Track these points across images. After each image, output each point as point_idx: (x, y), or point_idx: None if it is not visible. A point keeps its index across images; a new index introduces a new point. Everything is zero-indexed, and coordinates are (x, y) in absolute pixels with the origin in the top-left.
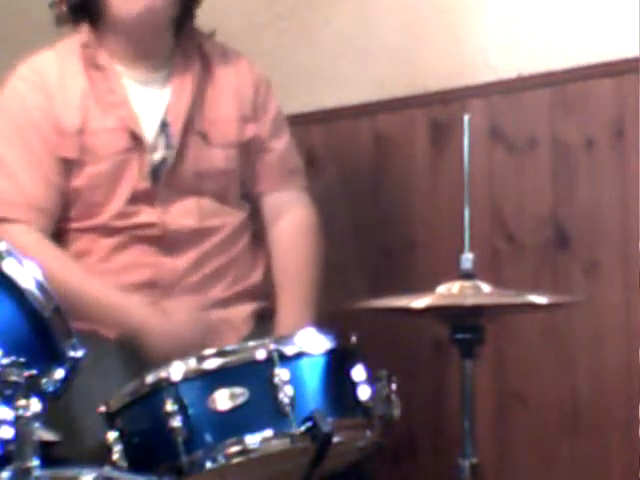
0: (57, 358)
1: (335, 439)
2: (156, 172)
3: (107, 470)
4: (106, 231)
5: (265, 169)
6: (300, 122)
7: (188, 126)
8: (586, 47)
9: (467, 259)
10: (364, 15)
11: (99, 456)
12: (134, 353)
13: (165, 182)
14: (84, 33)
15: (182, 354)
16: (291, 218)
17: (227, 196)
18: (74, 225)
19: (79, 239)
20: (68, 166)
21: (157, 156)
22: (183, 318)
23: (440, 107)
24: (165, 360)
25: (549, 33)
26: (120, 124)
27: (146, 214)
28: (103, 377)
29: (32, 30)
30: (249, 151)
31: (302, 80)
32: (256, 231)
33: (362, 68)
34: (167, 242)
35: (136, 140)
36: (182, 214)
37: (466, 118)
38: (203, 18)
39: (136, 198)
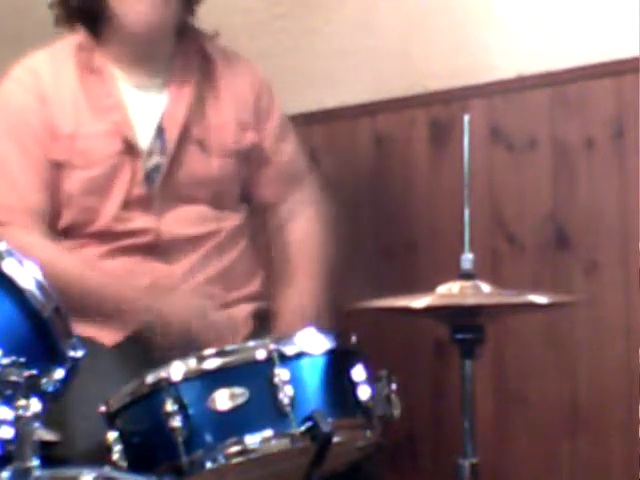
0: (57, 358)
1: (335, 439)
2: (150, 178)
3: (107, 470)
4: (100, 238)
5: (269, 181)
6: (300, 122)
7: (185, 133)
8: (586, 47)
9: (467, 259)
10: (364, 15)
11: (96, 459)
12: (131, 358)
13: (160, 189)
14: (80, 35)
15: (188, 340)
16: (297, 226)
17: (223, 202)
18: (68, 232)
19: (73, 247)
20: (58, 169)
21: (151, 162)
22: (186, 303)
23: (440, 107)
24: (172, 346)
25: (549, 33)
26: (113, 128)
27: (140, 220)
28: (99, 384)
29: (32, 30)
30: (250, 159)
31: (302, 80)
32: (254, 239)
33: (362, 68)
34: (162, 249)
35: (129, 145)
36: (177, 221)
37: (466, 118)
38: (202, 18)
39: (130, 204)
